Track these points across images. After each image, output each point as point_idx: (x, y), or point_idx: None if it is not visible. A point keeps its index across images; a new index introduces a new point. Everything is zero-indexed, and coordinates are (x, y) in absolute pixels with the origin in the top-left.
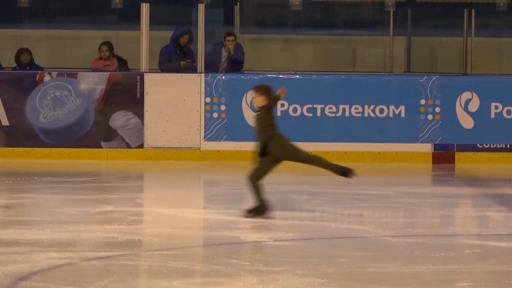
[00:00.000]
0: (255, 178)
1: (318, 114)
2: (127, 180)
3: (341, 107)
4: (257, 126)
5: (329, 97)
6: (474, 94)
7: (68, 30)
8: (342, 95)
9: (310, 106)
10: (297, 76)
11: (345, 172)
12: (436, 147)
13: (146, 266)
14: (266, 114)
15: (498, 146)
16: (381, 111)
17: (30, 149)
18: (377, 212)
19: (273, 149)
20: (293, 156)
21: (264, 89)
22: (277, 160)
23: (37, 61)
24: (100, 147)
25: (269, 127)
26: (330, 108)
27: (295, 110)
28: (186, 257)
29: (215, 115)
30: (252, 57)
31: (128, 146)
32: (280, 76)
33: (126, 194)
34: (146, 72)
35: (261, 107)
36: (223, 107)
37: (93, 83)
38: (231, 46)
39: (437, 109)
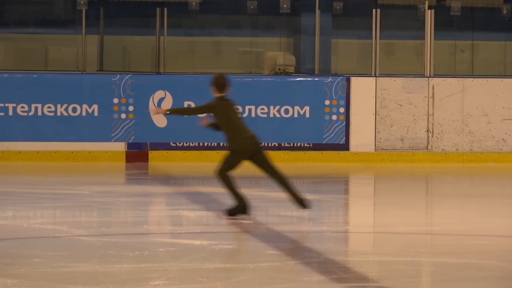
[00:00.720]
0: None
1: (10, 113)
2: None
3: (33, 106)
4: None
5: (21, 96)
6: (167, 93)
7: None
8: (35, 94)
9: (2, 105)
10: None
11: None
12: (130, 146)
13: None
14: None
15: (191, 144)
16: (74, 110)
17: None
18: (71, 212)
19: None
20: None
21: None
22: None
23: None
24: None
25: None
26: (23, 107)
27: None
28: None
29: None
30: None
31: None
32: None
33: None
34: None
35: None
36: None
37: None
38: None
39: (130, 108)
